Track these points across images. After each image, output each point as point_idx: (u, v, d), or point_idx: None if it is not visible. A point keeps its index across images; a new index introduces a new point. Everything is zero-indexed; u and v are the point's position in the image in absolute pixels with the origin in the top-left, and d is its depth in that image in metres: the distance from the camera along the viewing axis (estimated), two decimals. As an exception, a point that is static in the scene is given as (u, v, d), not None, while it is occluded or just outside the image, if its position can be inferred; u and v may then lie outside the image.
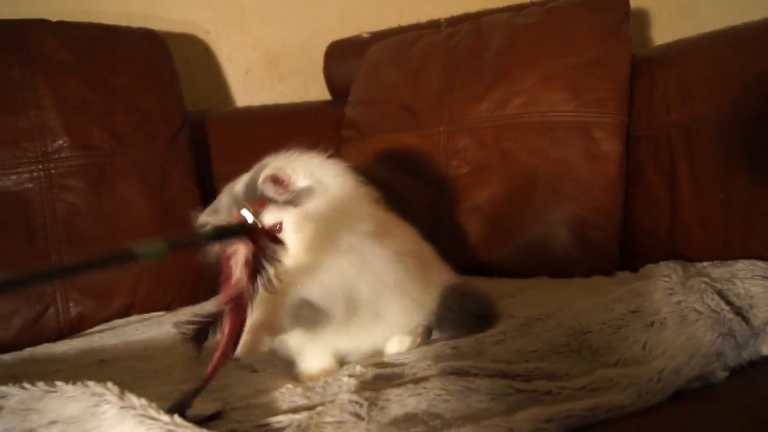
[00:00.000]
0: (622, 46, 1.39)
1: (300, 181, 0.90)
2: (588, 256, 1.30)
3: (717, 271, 1.02)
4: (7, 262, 1.29)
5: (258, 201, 0.88)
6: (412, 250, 1.00)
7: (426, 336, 1.02)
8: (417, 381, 0.83)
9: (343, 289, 0.88)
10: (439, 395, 0.78)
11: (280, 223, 0.89)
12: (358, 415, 0.74)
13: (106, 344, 1.22)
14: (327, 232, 0.89)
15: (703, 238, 1.18)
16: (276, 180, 0.88)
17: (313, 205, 0.90)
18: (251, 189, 0.89)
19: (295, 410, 0.79)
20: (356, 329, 0.95)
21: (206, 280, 1.46)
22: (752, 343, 0.86)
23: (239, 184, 0.92)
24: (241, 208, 0.88)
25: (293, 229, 0.89)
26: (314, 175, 0.92)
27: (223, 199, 0.93)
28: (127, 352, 1.16)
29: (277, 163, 0.92)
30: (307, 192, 0.90)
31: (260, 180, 0.88)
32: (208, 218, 0.93)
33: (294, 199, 0.89)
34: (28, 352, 1.23)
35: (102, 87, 1.43)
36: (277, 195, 0.88)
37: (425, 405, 0.77)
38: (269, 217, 0.88)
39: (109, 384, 0.76)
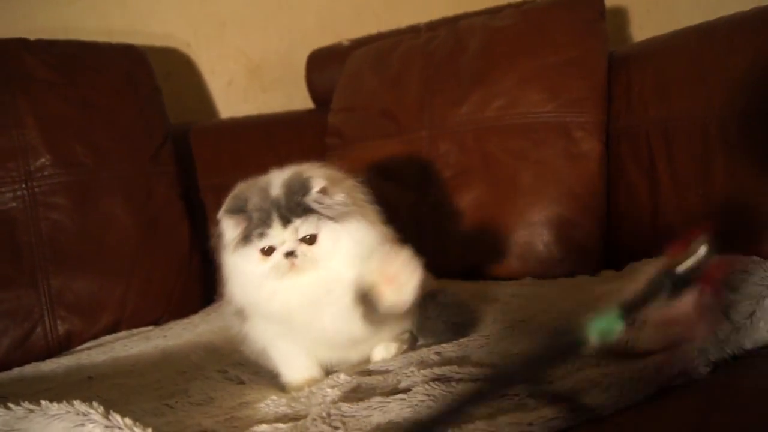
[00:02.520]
0: (598, 45, 1.40)
1: (339, 195, 0.88)
2: (572, 255, 1.31)
3: (698, 266, 1.02)
4: (-7, 282, 1.29)
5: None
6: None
7: (412, 342, 1.02)
8: (401, 388, 0.83)
9: None
10: (423, 401, 0.78)
11: (316, 235, 0.87)
12: (335, 426, 0.74)
13: (94, 361, 1.22)
14: (359, 249, 0.89)
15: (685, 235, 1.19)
16: (324, 192, 0.87)
17: (348, 220, 0.89)
18: (296, 197, 0.86)
19: (278, 421, 0.79)
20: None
21: (194, 295, 1.47)
22: (734, 337, 0.86)
23: (275, 188, 0.88)
24: (287, 221, 0.86)
25: (329, 241, 0.88)
26: (346, 190, 0.90)
27: (254, 199, 0.88)
28: (116, 368, 1.16)
29: (318, 173, 0.90)
30: (343, 209, 0.88)
31: (314, 191, 0.86)
32: (229, 216, 0.89)
33: (335, 213, 0.87)
34: (16, 371, 1.23)
35: (83, 104, 1.43)
36: (324, 209, 0.87)
37: (409, 412, 0.77)
38: (309, 228, 0.87)
39: (94, 403, 0.76)
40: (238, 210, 0.88)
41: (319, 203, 0.86)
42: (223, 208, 0.89)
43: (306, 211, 0.86)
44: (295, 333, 0.93)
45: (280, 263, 0.87)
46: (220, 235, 0.93)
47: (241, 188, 0.91)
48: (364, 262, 0.88)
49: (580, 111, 1.36)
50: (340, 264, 0.88)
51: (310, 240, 0.87)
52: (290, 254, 0.87)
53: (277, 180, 0.89)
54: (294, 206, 0.86)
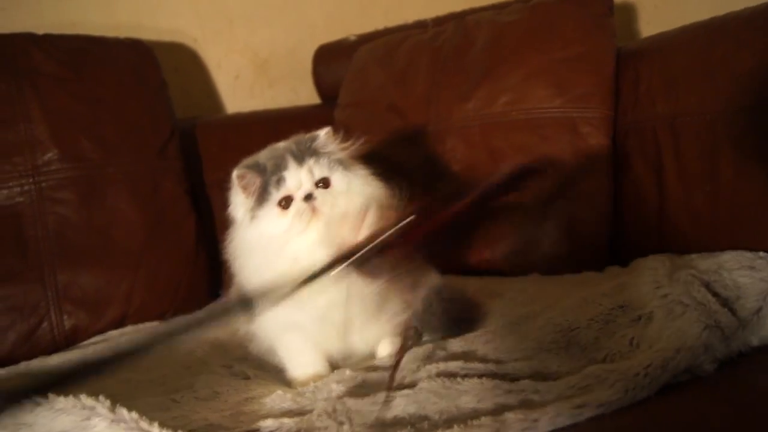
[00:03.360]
0: (606, 41, 1.39)
1: (342, 151, 0.95)
2: (577, 252, 1.31)
3: (704, 262, 1.01)
4: (0, 276, 1.30)
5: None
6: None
7: (417, 337, 1.02)
8: (406, 383, 0.84)
9: None
10: (428, 397, 0.78)
11: (329, 178, 0.91)
12: (340, 422, 0.75)
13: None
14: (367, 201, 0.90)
15: (691, 230, 1.18)
16: (331, 136, 0.93)
17: (356, 174, 0.94)
18: (307, 143, 0.93)
19: (283, 416, 0.79)
20: (349, 331, 0.95)
21: (199, 289, 1.47)
22: (740, 334, 0.86)
23: (283, 143, 0.95)
24: (301, 160, 0.90)
25: (342, 185, 0.92)
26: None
27: (265, 153, 0.94)
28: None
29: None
30: (349, 160, 0.94)
31: (323, 132, 0.93)
32: (245, 171, 0.92)
33: (344, 157, 0.93)
34: (23, 365, 1.23)
35: (90, 98, 1.44)
36: (334, 150, 0.92)
37: (414, 407, 0.77)
38: (322, 169, 0.91)
39: (101, 397, 0.77)
40: (253, 165, 0.92)
41: (328, 148, 0.92)
42: (239, 167, 0.92)
43: (317, 154, 0.91)
44: (306, 314, 0.92)
45: (302, 209, 0.89)
46: (232, 218, 0.95)
47: (250, 157, 0.96)
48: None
49: (587, 106, 1.35)
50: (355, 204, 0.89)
51: (324, 184, 0.90)
52: (309, 198, 0.89)
53: (287, 142, 0.95)
54: (305, 149, 0.91)
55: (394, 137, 1.53)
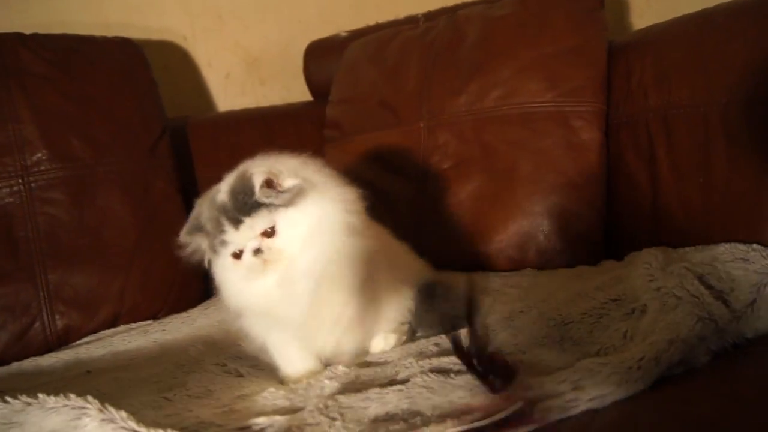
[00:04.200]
0: (597, 34, 1.39)
1: (288, 181, 0.86)
2: (572, 246, 1.30)
3: (698, 255, 1.01)
4: (-9, 276, 1.29)
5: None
6: (386, 248, 1.00)
7: (411, 333, 1.02)
8: (399, 379, 0.83)
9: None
10: (421, 392, 0.78)
11: (274, 226, 0.87)
12: (333, 418, 0.74)
13: (93, 355, 1.22)
14: (319, 227, 0.88)
15: (685, 223, 1.18)
16: (270, 184, 0.85)
17: (305, 201, 0.88)
18: (241, 197, 0.85)
19: (276, 413, 0.79)
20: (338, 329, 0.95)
21: (193, 288, 1.46)
22: (734, 326, 0.86)
23: (221, 194, 0.87)
24: (237, 221, 0.86)
25: (289, 229, 0.87)
26: (299, 174, 0.88)
27: (205, 212, 0.89)
28: (114, 362, 1.16)
29: (260, 168, 0.87)
30: (297, 190, 0.87)
31: (257, 187, 0.84)
32: (190, 237, 0.91)
33: (288, 200, 0.86)
34: (15, 366, 1.23)
35: (79, 98, 1.43)
36: (273, 199, 0.85)
37: (407, 403, 0.77)
38: (263, 222, 0.86)
39: (89, 397, 0.76)
40: (195, 229, 0.90)
41: (268, 196, 0.85)
42: (182, 231, 0.91)
43: (254, 207, 0.85)
44: (285, 327, 0.93)
45: (252, 263, 0.87)
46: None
47: (197, 204, 0.93)
48: (327, 236, 0.88)
49: (580, 100, 1.34)
50: (301, 246, 0.87)
51: (271, 233, 0.87)
52: (258, 251, 0.86)
53: (224, 185, 0.89)
54: (241, 206, 0.85)
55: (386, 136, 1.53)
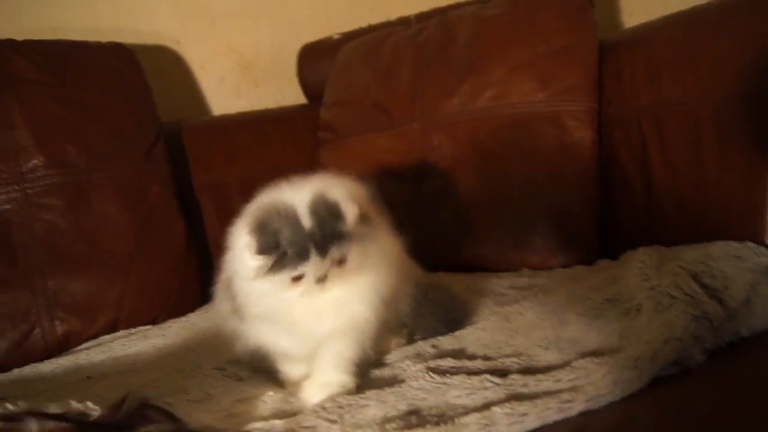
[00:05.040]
0: (588, 33, 1.39)
1: (365, 214, 0.86)
2: (567, 245, 1.31)
3: (692, 253, 1.02)
4: (-12, 284, 1.29)
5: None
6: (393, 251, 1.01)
7: (409, 336, 1.02)
8: (397, 380, 0.84)
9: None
10: (417, 393, 0.79)
11: (346, 256, 0.85)
12: (331, 420, 0.75)
13: (93, 361, 1.22)
14: (379, 258, 0.89)
15: (679, 220, 1.19)
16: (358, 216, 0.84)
17: (372, 234, 0.87)
18: (330, 225, 0.83)
19: (275, 416, 0.80)
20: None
21: (191, 292, 1.47)
22: (729, 324, 0.87)
23: (304, 219, 0.83)
24: (325, 251, 0.83)
25: (357, 257, 0.86)
26: (362, 206, 0.87)
27: (285, 233, 0.82)
28: (114, 367, 1.16)
29: (342, 192, 0.85)
30: (364, 223, 0.86)
31: (349, 217, 0.82)
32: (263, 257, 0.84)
33: (362, 231, 0.85)
34: (16, 372, 1.23)
35: (74, 104, 1.43)
36: (357, 233, 0.84)
37: (404, 404, 0.78)
38: (341, 252, 0.84)
39: (89, 403, 0.76)
40: (271, 246, 0.82)
41: (357, 228, 0.84)
42: (255, 244, 0.82)
43: (339, 237, 0.83)
44: (295, 335, 0.92)
45: (312, 288, 0.84)
46: (233, 247, 0.89)
47: (264, 216, 0.84)
48: (387, 278, 0.89)
49: (572, 99, 1.35)
50: (366, 279, 0.88)
51: (341, 262, 0.85)
52: (322, 279, 0.84)
53: (301, 205, 0.84)
54: (329, 235, 0.82)
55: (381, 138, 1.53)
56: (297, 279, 0.83)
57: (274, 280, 0.83)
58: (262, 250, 0.82)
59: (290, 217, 0.83)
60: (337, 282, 0.85)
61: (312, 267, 0.82)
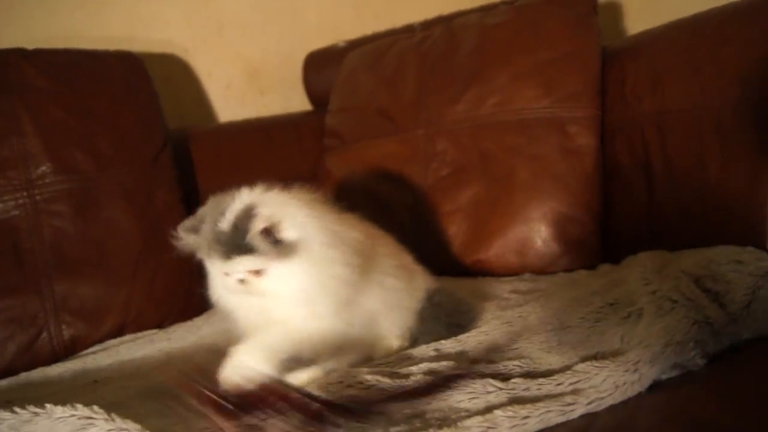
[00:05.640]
0: (591, 40, 1.40)
1: (286, 232, 0.87)
2: (569, 250, 1.32)
3: (694, 257, 1.02)
4: (-3, 289, 1.31)
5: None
6: (397, 263, 1.02)
7: (412, 339, 1.03)
8: (400, 383, 0.85)
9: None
10: (420, 397, 0.79)
11: (261, 270, 0.87)
12: (336, 424, 0.76)
13: (99, 365, 1.23)
14: (301, 290, 0.89)
15: (681, 226, 1.20)
16: (267, 232, 0.86)
17: (298, 258, 0.88)
18: (239, 234, 0.85)
19: (279, 420, 0.80)
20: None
21: (197, 297, 1.48)
22: (731, 328, 0.87)
23: (225, 221, 0.86)
24: (227, 257, 0.86)
25: (276, 275, 0.88)
26: (303, 227, 0.89)
27: (207, 224, 0.88)
28: (121, 371, 1.17)
29: (266, 209, 0.87)
30: (291, 246, 0.87)
31: (252, 231, 0.85)
32: (186, 235, 0.91)
33: (282, 252, 0.87)
34: (23, 376, 1.24)
35: (82, 111, 1.44)
36: (263, 248, 0.85)
37: (409, 409, 0.78)
38: (251, 264, 0.87)
39: (95, 407, 0.77)
40: (192, 230, 0.90)
41: (263, 242, 0.85)
42: (182, 224, 0.91)
43: (248, 249, 0.85)
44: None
45: (235, 287, 0.89)
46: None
47: (205, 206, 0.92)
48: (313, 301, 0.89)
49: (575, 106, 1.36)
50: (286, 301, 0.89)
51: (258, 272, 0.87)
52: (242, 281, 0.88)
53: (231, 210, 0.88)
54: (236, 243, 0.85)
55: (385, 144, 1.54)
56: (227, 275, 0.89)
57: (212, 272, 0.92)
58: (183, 228, 0.91)
59: (217, 215, 0.88)
60: (259, 293, 0.88)
61: (218, 265, 0.88)
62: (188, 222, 0.91)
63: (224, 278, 0.90)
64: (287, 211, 0.89)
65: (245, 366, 0.85)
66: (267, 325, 0.90)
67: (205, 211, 0.92)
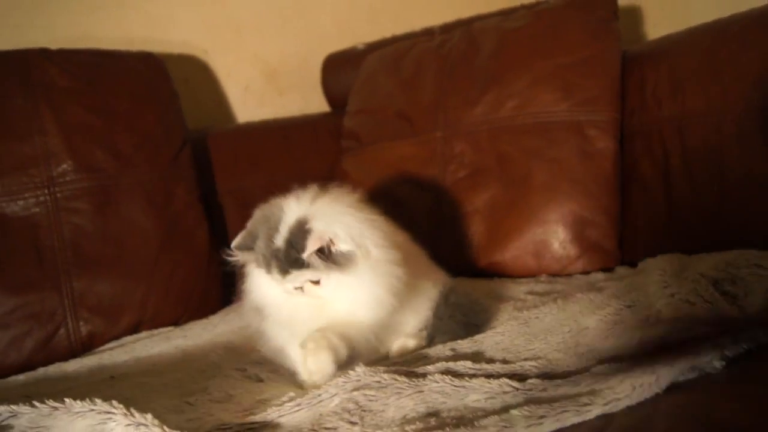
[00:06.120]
0: (611, 44, 1.40)
1: (343, 245, 0.89)
2: (587, 253, 1.32)
3: (712, 261, 1.02)
4: (18, 284, 1.32)
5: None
6: (408, 257, 1.02)
7: (429, 339, 1.03)
8: (416, 383, 0.84)
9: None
10: (436, 397, 0.79)
11: (319, 280, 0.91)
12: (352, 422, 0.76)
13: (116, 361, 1.24)
14: (357, 299, 0.92)
15: (700, 231, 1.19)
16: (322, 250, 0.88)
17: (355, 270, 0.91)
18: (293, 252, 0.89)
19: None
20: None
21: (213, 295, 1.49)
22: (749, 332, 0.86)
23: (279, 238, 0.90)
24: (285, 272, 0.89)
25: (332, 285, 0.91)
26: (356, 240, 0.90)
27: (261, 241, 0.91)
28: (137, 367, 1.18)
29: (321, 225, 0.89)
30: (348, 257, 0.90)
31: (308, 250, 0.88)
32: (240, 253, 0.94)
33: (338, 263, 0.89)
34: (41, 371, 1.25)
35: (103, 110, 1.46)
36: (319, 265, 0.89)
37: (423, 407, 0.78)
38: (309, 276, 0.90)
39: (114, 402, 0.78)
40: (246, 248, 0.93)
41: (314, 261, 0.88)
42: (235, 242, 0.94)
43: (305, 264, 0.89)
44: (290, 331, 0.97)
45: (291, 292, 0.92)
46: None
47: (256, 218, 0.95)
48: (371, 309, 0.92)
49: (594, 110, 1.36)
50: (343, 307, 0.92)
51: (315, 282, 0.91)
52: (299, 288, 0.92)
53: (286, 222, 0.91)
54: (292, 259, 0.89)
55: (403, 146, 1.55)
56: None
57: (264, 278, 0.93)
58: (239, 246, 0.93)
59: (271, 230, 0.91)
60: (317, 298, 0.92)
61: (276, 279, 0.91)
62: (241, 240, 0.93)
63: (279, 284, 0.92)
64: (340, 221, 0.91)
65: (324, 362, 0.88)
66: (321, 321, 0.92)
67: (255, 226, 0.94)
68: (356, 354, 0.91)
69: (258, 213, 0.95)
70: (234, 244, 0.93)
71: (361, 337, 0.92)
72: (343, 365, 0.88)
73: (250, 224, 0.94)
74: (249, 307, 1.01)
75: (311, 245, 0.87)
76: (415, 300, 1.01)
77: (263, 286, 0.95)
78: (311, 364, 0.88)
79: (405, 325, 1.03)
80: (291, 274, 0.89)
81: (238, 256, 0.94)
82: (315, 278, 0.90)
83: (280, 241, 0.90)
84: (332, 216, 0.91)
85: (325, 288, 0.91)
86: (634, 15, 1.75)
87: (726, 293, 0.91)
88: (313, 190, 0.95)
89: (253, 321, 1.03)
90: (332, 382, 0.90)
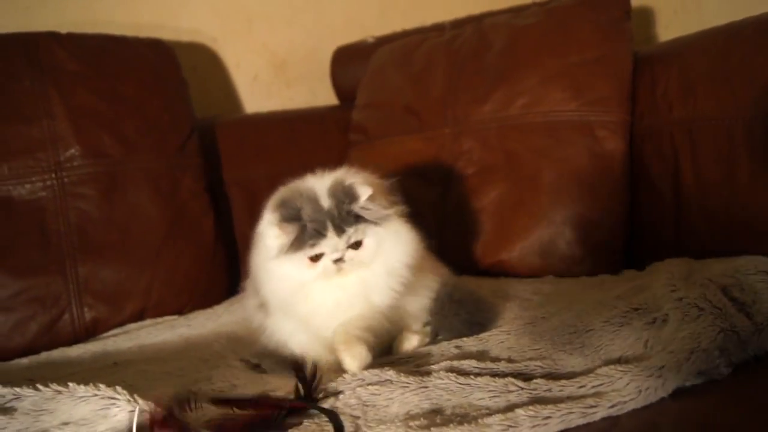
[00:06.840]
0: (623, 45, 1.39)
1: (381, 200, 0.93)
2: (593, 254, 1.31)
3: (721, 266, 1.01)
4: (23, 268, 1.32)
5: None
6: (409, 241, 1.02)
7: (433, 335, 1.03)
8: (420, 380, 0.84)
9: None
10: (441, 394, 0.79)
11: (362, 240, 0.92)
12: (355, 416, 0.76)
13: (119, 347, 1.25)
14: (396, 249, 0.95)
15: (708, 235, 1.19)
16: (372, 199, 0.91)
17: (390, 223, 0.94)
18: (345, 206, 0.90)
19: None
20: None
21: (217, 285, 1.49)
22: (756, 338, 0.86)
23: (323, 198, 0.91)
24: (341, 231, 0.90)
25: (373, 244, 0.92)
26: (378, 193, 0.94)
27: (307, 209, 0.90)
28: (140, 355, 1.19)
29: (362, 180, 0.93)
30: (384, 215, 0.93)
31: (362, 198, 0.90)
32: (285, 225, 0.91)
33: (382, 217, 0.92)
34: (44, 355, 1.26)
35: (112, 96, 1.46)
36: (373, 214, 0.91)
37: (427, 404, 0.78)
38: (358, 235, 0.91)
39: (119, 387, 0.78)
40: (292, 218, 0.90)
41: (366, 210, 0.90)
42: (277, 215, 0.91)
43: (356, 219, 0.90)
44: (313, 330, 0.96)
45: (329, 268, 0.91)
46: (258, 237, 0.96)
47: (286, 195, 0.94)
48: (403, 264, 0.94)
49: (604, 110, 1.36)
50: (381, 266, 0.93)
51: (356, 245, 0.91)
52: (338, 260, 0.91)
53: (321, 188, 0.92)
54: (345, 215, 0.90)
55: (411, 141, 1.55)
56: (315, 259, 0.91)
57: (293, 259, 0.91)
58: (285, 219, 0.90)
59: (311, 197, 0.91)
60: (354, 267, 0.92)
61: (329, 244, 0.90)
62: (283, 212, 0.91)
63: (311, 267, 0.91)
64: (371, 181, 0.95)
65: (360, 354, 0.89)
66: (346, 314, 0.93)
67: (286, 202, 0.92)
68: (377, 338, 0.94)
69: (279, 194, 0.95)
70: (277, 219, 0.90)
71: (376, 323, 0.94)
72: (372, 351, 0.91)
73: (280, 198, 0.93)
74: (253, 303, 1.02)
75: (363, 192, 0.90)
76: (420, 295, 1.02)
77: (293, 273, 0.92)
78: (348, 359, 0.89)
79: (410, 321, 1.03)
80: (346, 232, 0.90)
81: (284, 241, 0.90)
82: (362, 237, 0.91)
83: (326, 201, 0.90)
84: (358, 174, 0.95)
85: (366, 249, 0.92)
86: (646, 16, 1.74)
87: (734, 299, 0.91)
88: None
89: (256, 318, 1.03)
90: (338, 377, 0.90)
